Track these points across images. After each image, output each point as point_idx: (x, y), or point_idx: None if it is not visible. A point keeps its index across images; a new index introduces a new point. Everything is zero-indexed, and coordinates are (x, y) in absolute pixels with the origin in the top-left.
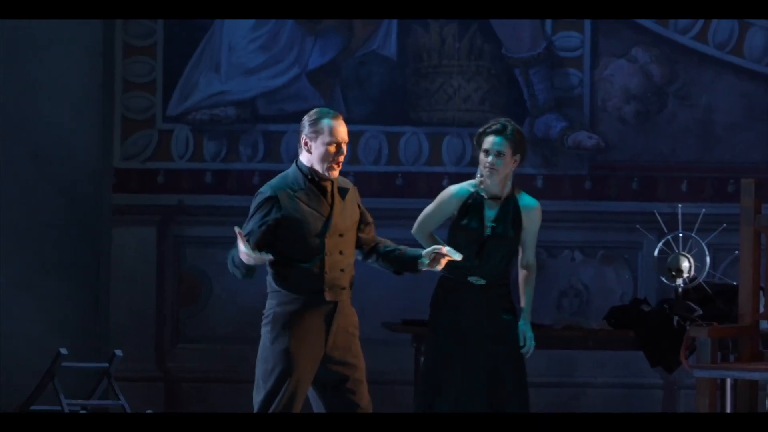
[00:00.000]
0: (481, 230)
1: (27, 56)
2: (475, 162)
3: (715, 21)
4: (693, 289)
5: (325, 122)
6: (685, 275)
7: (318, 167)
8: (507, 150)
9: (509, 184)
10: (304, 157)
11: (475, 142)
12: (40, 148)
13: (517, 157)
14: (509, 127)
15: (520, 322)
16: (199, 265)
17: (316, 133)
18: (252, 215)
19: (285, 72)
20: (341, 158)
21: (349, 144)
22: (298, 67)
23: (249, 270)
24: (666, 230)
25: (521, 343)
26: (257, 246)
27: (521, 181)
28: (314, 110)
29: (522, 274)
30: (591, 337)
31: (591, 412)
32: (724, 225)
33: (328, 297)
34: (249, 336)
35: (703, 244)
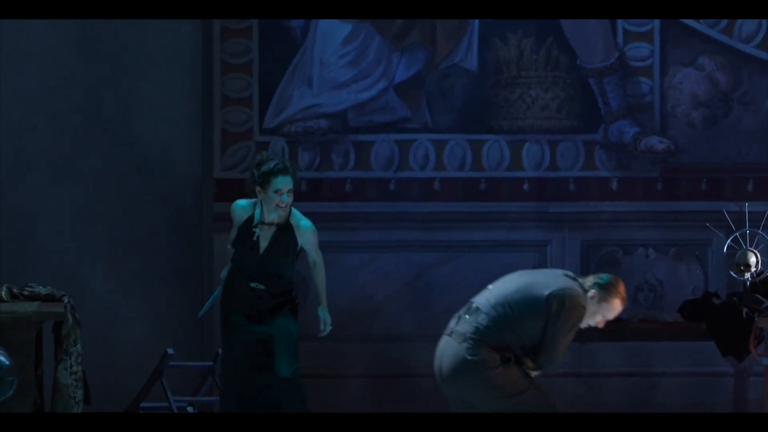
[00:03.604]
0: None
1: (131, 75)
2: (554, 167)
3: None
4: (760, 283)
5: None
6: (753, 269)
7: None
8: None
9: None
10: None
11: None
12: (144, 162)
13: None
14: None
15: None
16: (296, 266)
17: None
18: None
19: (373, 85)
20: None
21: (434, 151)
22: (386, 81)
23: None
24: (734, 227)
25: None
26: None
27: (597, 185)
28: None
29: None
30: (666, 329)
31: (666, 400)
32: None
33: None
34: (343, 334)
35: None
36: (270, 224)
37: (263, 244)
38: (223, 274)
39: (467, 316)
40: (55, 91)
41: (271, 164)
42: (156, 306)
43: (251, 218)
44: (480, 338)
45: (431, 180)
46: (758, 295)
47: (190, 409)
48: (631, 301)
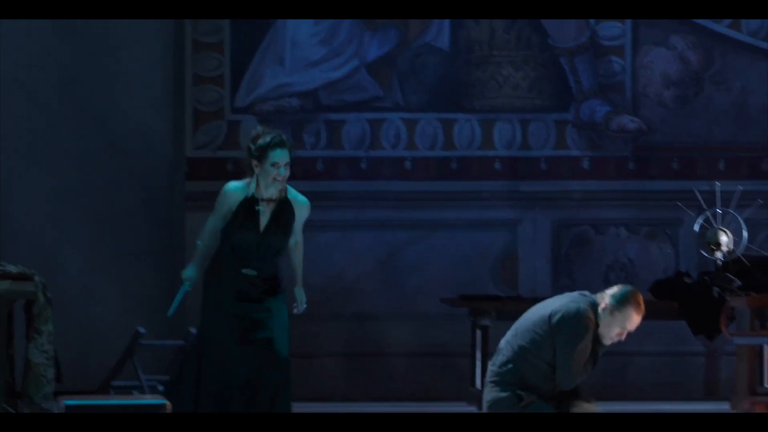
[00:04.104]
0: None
1: (105, 54)
2: (525, 146)
3: None
4: (731, 262)
5: None
6: (724, 249)
7: None
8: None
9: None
10: None
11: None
12: (118, 141)
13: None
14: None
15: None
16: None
17: None
18: None
19: (345, 64)
20: None
21: (405, 130)
22: (358, 60)
23: None
24: (705, 207)
25: None
26: None
27: (568, 164)
28: None
29: None
30: None
31: (638, 379)
32: (760, 201)
33: None
34: (316, 313)
35: (740, 219)
36: (269, 200)
37: (263, 221)
38: (186, 273)
39: (491, 361)
40: (30, 70)
41: (268, 138)
42: (129, 285)
43: (249, 198)
44: (499, 379)
45: (403, 159)
46: (729, 275)
47: (160, 388)
48: (602, 281)
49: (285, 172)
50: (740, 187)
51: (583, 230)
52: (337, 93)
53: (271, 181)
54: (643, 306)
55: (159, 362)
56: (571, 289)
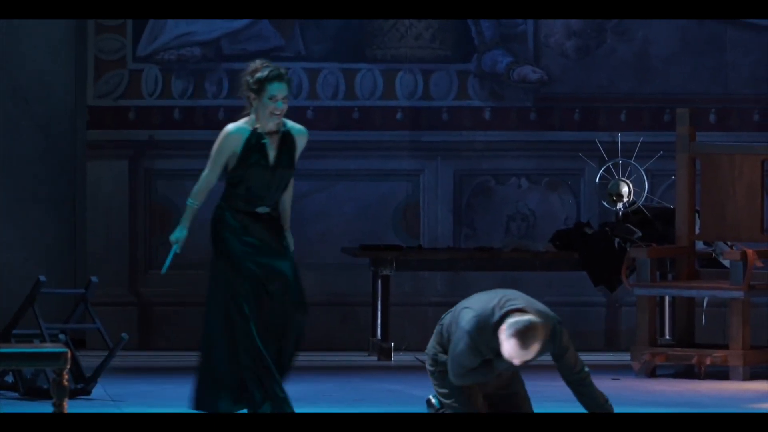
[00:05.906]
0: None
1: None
2: (427, 96)
3: None
4: (632, 213)
5: None
6: (625, 199)
7: None
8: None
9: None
10: None
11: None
12: (20, 88)
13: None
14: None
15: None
16: (168, 195)
17: None
18: None
19: None
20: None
21: (307, 80)
22: None
23: None
24: (606, 158)
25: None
26: None
27: (470, 115)
28: None
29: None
30: (538, 258)
31: None
32: (661, 152)
33: None
34: None
35: (642, 170)
36: (270, 133)
37: (271, 154)
38: (176, 235)
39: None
40: None
41: (266, 71)
42: (30, 232)
43: (253, 134)
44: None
45: (305, 108)
46: (630, 225)
47: (62, 337)
48: (503, 231)
49: (283, 106)
50: (642, 138)
51: (485, 180)
52: (239, 42)
53: (269, 114)
54: (527, 346)
55: (60, 311)
56: (473, 240)
